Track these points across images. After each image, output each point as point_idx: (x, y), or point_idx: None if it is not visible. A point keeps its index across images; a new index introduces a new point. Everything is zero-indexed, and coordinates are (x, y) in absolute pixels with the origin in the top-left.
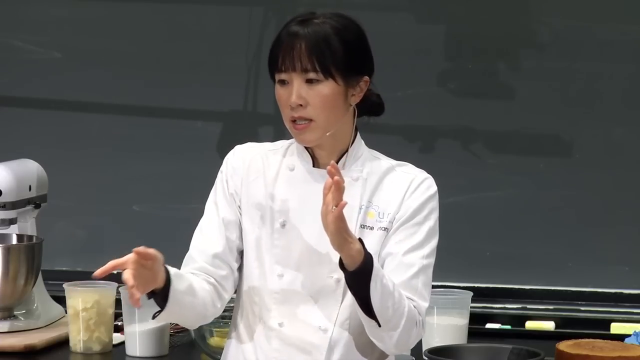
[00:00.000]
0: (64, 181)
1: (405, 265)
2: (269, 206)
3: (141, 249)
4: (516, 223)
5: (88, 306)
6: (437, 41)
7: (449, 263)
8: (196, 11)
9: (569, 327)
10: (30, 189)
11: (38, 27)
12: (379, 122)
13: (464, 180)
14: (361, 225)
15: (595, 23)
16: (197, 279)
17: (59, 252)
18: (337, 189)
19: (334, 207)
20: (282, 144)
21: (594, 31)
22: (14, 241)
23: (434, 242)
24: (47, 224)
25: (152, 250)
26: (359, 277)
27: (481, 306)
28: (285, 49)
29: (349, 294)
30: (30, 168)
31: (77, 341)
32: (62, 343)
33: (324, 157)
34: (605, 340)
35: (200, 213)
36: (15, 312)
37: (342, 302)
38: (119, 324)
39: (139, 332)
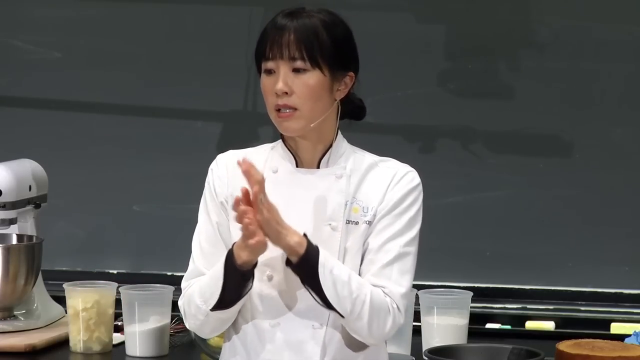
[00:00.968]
0: (64, 181)
1: (381, 253)
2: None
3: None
4: (516, 223)
5: (88, 306)
6: (437, 41)
7: (449, 263)
8: (196, 11)
9: (569, 327)
10: (30, 189)
11: (38, 27)
12: (379, 122)
13: (464, 180)
14: (347, 221)
15: (595, 23)
16: None
17: (59, 252)
18: (248, 178)
19: (262, 197)
20: (264, 147)
21: (594, 31)
22: (14, 241)
23: (413, 232)
24: (47, 224)
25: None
26: (305, 268)
27: (481, 306)
28: (273, 39)
29: None
30: (30, 168)
31: (77, 341)
32: (62, 343)
33: (308, 154)
34: (605, 340)
35: None
36: (15, 312)
37: None
38: (119, 324)
39: (139, 332)
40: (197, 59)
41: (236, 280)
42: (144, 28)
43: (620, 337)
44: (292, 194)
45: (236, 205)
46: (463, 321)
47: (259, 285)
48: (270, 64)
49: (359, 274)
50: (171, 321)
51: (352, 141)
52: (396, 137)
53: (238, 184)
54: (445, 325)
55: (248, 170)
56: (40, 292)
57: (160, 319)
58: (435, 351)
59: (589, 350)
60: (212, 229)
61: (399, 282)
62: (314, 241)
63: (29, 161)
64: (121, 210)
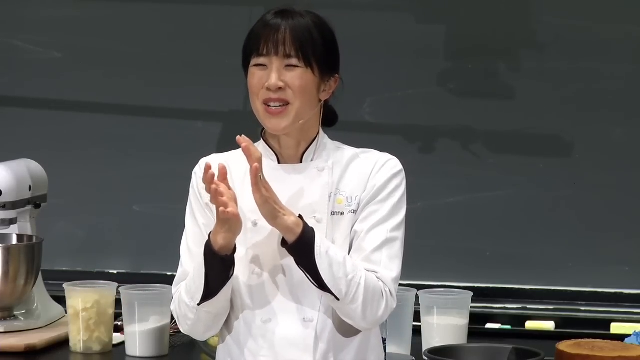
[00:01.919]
0: (64, 181)
1: (368, 239)
2: (239, 208)
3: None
4: (516, 223)
5: (88, 306)
6: (437, 41)
7: (449, 263)
8: (196, 11)
9: (569, 327)
10: (30, 189)
11: (38, 27)
12: (379, 122)
13: (464, 180)
14: (332, 213)
15: (595, 23)
16: None
17: (59, 252)
18: (248, 155)
19: (262, 175)
20: None
21: (594, 31)
22: (14, 241)
23: (399, 217)
24: (47, 224)
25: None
26: (302, 248)
27: (481, 306)
28: (267, 36)
29: None
30: (30, 168)
31: (77, 341)
32: (62, 343)
33: (291, 151)
34: (605, 340)
35: None
36: (15, 312)
37: None
38: (119, 324)
39: (139, 332)
40: (197, 59)
41: (217, 267)
42: (144, 28)
43: (620, 337)
44: (275, 189)
45: (206, 173)
46: (463, 321)
47: (248, 282)
48: (262, 60)
49: None
50: (171, 321)
51: (352, 141)
52: (396, 137)
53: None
54: (445, 325)
55: (247, 147)
56: (40, 292)
57: (160, 319)
58: (435, 351)
59: (589, 350)
60: (199, 232)
61: (388, 266)
62: None
63: (29, 161)
64: (121, 210)
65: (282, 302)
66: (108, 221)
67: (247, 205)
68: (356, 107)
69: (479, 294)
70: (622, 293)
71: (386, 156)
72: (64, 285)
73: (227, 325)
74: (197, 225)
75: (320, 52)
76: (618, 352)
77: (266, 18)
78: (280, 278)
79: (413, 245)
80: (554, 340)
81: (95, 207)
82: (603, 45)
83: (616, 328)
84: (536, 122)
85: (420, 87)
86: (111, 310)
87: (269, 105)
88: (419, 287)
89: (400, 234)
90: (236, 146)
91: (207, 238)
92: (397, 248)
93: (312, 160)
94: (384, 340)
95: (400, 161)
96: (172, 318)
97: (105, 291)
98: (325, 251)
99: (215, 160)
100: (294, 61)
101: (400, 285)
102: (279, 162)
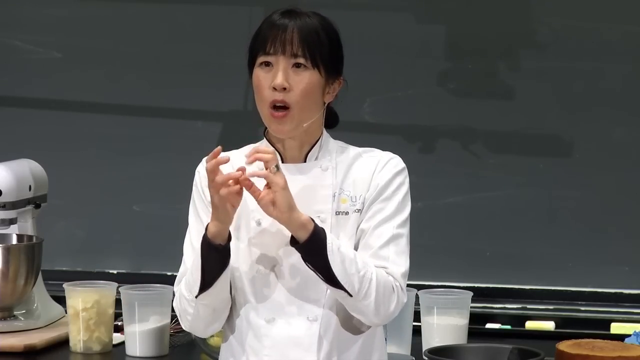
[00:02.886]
0: (64, 181)
1: (374, 236)
2: (243, 207)
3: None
4: (516, 223)
5: (88, 306)
6: (437, 41)
7: (449, 263)
8: (196, 11)
9: (569, 327)
10: (30, 189)
11: (38, 27)
12: (379, 122)
13: (464, 180)
14: (336, 213)
15: (595, 23)
16: None
17: (59, 252)
18: (262, 159)
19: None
20: (248, 147)
21: (594, 31)
22: (14, 241)
23: (404, 214)
24: (47, 224)
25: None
26: (314, 246)
27: (481, 306)
28: (275, 35)
29: None
30: (30, 168)
31: (77, 341)
32: (62, 343)
33: (295, 150)
34: (605, 340)
35: None
36: (15, 312)
37: (327, 291)
38: (119, 324)
39: (139, 332)
40: (197, 59)
41: (212, 257)
42: (144, 28)
43: (620, 337)
44: None
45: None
46: (463, 321)
47: (252, 281)
48: (269, 58)
49: None
50: (171, 321)
51: (352, 141)
52: (396, 137)
53: None
54: (445, 325)
55: (259, 158)
56: (40, 292)
57: (160, 319)
58: (435, 351)
59: (589, 350)
60: (202, 229)
61: (397, 262)
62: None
63: (29, 161)
64: (121, 210)
65: (286, 301)
66: (108, 221)
67: (251, 205)
68: (356, 107)
69: (479, 294)
70: (622, 293)
71: (388, 155)
72: (64, 285)
73: (230, 324)
74: (201, 223)
75: (326, 53)
76: (618, 352)
77: (273, 18)
78: (284, 277)
79: (413, 245)
80: (554, 340)
81: (95, 207)
82: (603, 45)
83: (616, 328)
84: (536, 122)
85: (420, 87)
86: (111, 310)
87: (274, 108)
88: (419, 287)
89: (405, 230)
90: (236, 148)
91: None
92: (403, 244)
93: (315, 160)
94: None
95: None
96: (172, 318)
97: (105, 291)
98: (337, 248)
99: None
100: (301, 60)
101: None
102: (282, 162)
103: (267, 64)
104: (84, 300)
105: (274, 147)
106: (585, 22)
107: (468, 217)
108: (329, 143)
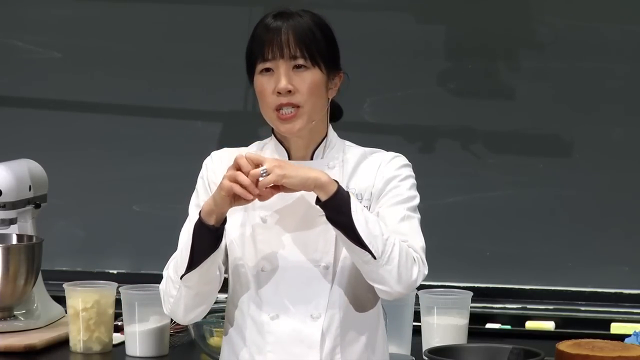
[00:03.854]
0: (64, 181)
1: (389, 215)
2: (249, 204)
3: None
4: (516, 223)
5: (88, 306)
6: (437, 41)
7: (449, 263)
8: (196, 11)
9: (569, 327)
10: (30, 189)
11: (38, 27)
12: (379, 122)
13: (464, 180)
14: None
15: (595, 23)
16: None
17: (59, 252)
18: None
19: (264, 172)
20: (256, 144)
21: (594, 31)
22: (14, 241)
23: (415, 201)
24: (47, 224)
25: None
26: (338, 203)
27: (481, 306)
28: (270, 40)
29: (337, 279)
30: (30, 168)
31: (77, 341)
32: (62, 343)
33: (301, 150)
34: (605, 340)
35: None
36: (15, 312)
37: (331, 288)
38: (119, 324)
39: (139, 332)
40: (197, 59)
41: (203, 236)
42: (144, 28)
43: (620, 337)
44: None
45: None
46: (463, 321)
47: (256, 278)
48: (269, 64)
49: None
50: (171, 321)
51: (352, 141)
52: (396, 137)
53: None
54: (445, 325)
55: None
56: (40, 292)
57: (160, 319)
58: (435, 351)
59: (589, 350)
60: None
61: (414, 237)
62: (307, 235)
63: (29, 161)
64: (121, 210)
65: (290, 298)
66: (108, 221)
67: (256, 202)
68: (356, 107)
69: (479, 294)
70: (622, 293)
71: (393, 153)
72: (64, 285)
73: (234, 321)
74: None
75: (324, 49)
76: (618, 352)
77: (266, 22)
78: (289, 275)
79: None
80: (554, 340)
81: (95, 207)
82: (603, 45)
83: (616, 328)
84: (536, 122)
85: (420, 87)
86: (111, 310)
87: (280, 111)
88: (419, 287)
89: (417, 215)
90: (237, 146)
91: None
92: (416, 224)
93: (322, 158)
94: None
95: None
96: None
97: (105, 291)
98: (361, 208)
99: (226, 154)
100: (300, 61)
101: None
102: (289, 159)
103: (268, 69)
104: (84, 300)
105: (281, 145)
106: (585, 22)
107: (468, 217)
108: (335, 141)
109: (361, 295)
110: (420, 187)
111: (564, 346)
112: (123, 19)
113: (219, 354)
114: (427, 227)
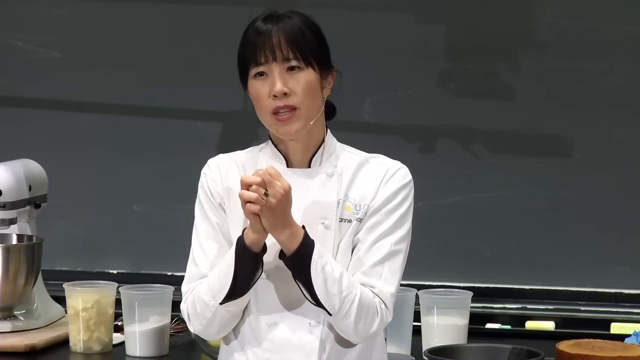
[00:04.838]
0: (64, 181)
1: (372, 251)
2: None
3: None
4: (516, 223)
5: (88, 306)
6: (437, 41)
7: (449, 263)
8: (196, 11)
9: (569, 327)
10: (30, 189)
11: (38, 27)
12: (379, 122)
13: (464, 180)
14: (340, 219)
15: (595, 23)
16: None
17: (59, 252)
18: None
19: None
20: (253, 148)
21: (594, 31)
22: (14, 241)
23: (404, 229)
24: (47, 224)
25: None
26: (297, 263)
27: (481, 306)
28: (262, 43)
29: None
30: (30, 168)
31: (77, 341)
32: (62, 343)
33: (299, 154)
34: (605, 340)
35: None
36: (15, 312)
37: None
38: (119, 324)
39: (139, 332)
40: (197, 59)
41: (247, 264)
42: (144, 28)
43: (620, 337)
44: None
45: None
46: (463, 321)
47: (255, 286)
48: (262, 68)
49: (348, 270)
50: (171, 321)
51: (352, 141)
52: (396, 137)
53: (232, 184)
54: (445, 325)
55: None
56: (40, 292)
57: (160, 319)
58: (435, 351)
59: (589, 350)
60: (212, 230)
61: (389, 281)
62: None
63: (29, 161)
64: (121, 210)
65: (288, 306)
66: (108, 221)
67: None
68: (356, 107)
69: (479, 294)
70: (622, 293)
71: (396, 165)
72: (64, 285)
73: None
74: (210, 224)
75: (315, 48)
76: (618, 352)
77: (256, 26)
78: (287, 283)
79: (413, 245)
80: (554, 340)
81: (95, 207)
82: (603, 45)
83: (616, 328)
84: (536, 122)
85: (420, 87)
86: (111, 310)
87: (278, 114)
88: (419, 287)
89: (404, 246)
90: (236, 148)
91: (221, 236)
92: (399, 261)
93: (320, 165)
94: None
95: (400, 161)
96: (172, 318)
97: (105, 291)
98: (321, 267)
99: (223, 160)
100: (294, 62)
101: (400, 285)
102: (287, 166)
103: (262, 73)
104: (84, 300)
105: (278, 150)
106: (585, 22)
107: (468, 217)
108: (333, 146)
109: None
110: (420, 187)
111: (564, 346)
112: (123, 19)
113: (218, 354)
114: (427, 227)
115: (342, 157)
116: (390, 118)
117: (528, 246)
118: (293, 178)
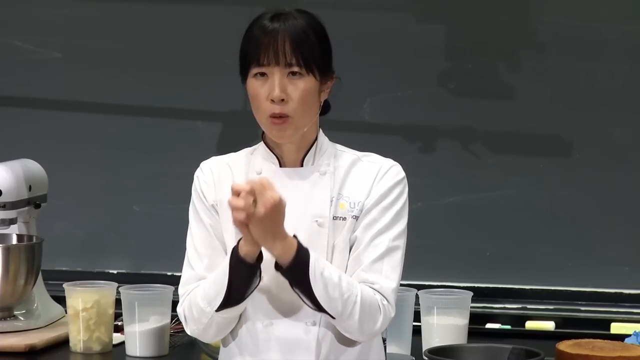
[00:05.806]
0: (64, 181)
1: (370, 248)
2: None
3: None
4: (516, 223)
5: (88, 306)
6: (437, 41)
7: (449, 263)
8: (196, 11)
9: (569, 327)
10: (30, 189)
11: (38, 27)
12: (379, 122)
13: (464, 180)
14: (334, 217)
15: (595, 23)
16: None
17: (59, 252)
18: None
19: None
20: (246, 150)
21: (594, 31)
22: (14, 241)
23: (401, 225)
24: (47, 224)
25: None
26: (295, 273)
27: (481, 306)
28: (267, 44)
29: None
30: (30, 168)
31: (77, 341)
32: (62, 343)
33: (292, 154)
34: (605, 340)
35: None
36: (15, 312)
37: None
38: (119, 324)
39: (139, 332)
40: (197, 59)
41: (242, 275)
42: (144, 28)
43: (620, 337)
44: None
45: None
46: (463, 321)
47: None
48: (264, 69)
49: (347, 268)
50: (171, 321)
51: (352, 141)
52: (396, 137)
53: (225, 187)
54: (445, 325)
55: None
56: (40, 292)
57: (160, 319)
58: (435, 351)
59: (589, 350)
60: (206, 233)
61: (390, 276)
62: (302, 238)
63: (29, 161)
64: (121, 210)
65: (284, 306)
66: (108, 221)
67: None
68: (356, 107)
69: (479, 294)
70: (622, 293)
71: (389, 162)
72: (64, 285)
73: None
74: (204, 226)
75: (318, 55)
76: (618, 352)
77: (263, 23)
78: (282, 283)
79: (413, 245)
80: (554, 340)
81: (95, 207)
82: (603, 45)
83: (616, 328)
84: (536, 122)
85: (420, 87)
86: (111, 310)
87: (273, 117)
88: (419, 287)
89: (401, 242)
90: (236, 148)
91: (215, 238)
92: (398, 257)
93: (312, 164)
94: (384, 341)
95: (400, 161)
96: (172, 318)
97: (105, 291)
98: (320, 273)
99: (215, 162)
100: (295, 68)
101: (400, 285)
102: (280, 166)
103: (262, 74)
104: (84, 300)
105: (271, 150)
106: (585, 22)
107: (468, 217)
108: (326, 145)
109: None
110: (420, 187)
111: (564, 346)
112: (123, 19)
113: (218, 354)
114: (427, 227)
115: (335, 155)
116: (390, 118)
117: (528, 246)
118: (286, 177)
